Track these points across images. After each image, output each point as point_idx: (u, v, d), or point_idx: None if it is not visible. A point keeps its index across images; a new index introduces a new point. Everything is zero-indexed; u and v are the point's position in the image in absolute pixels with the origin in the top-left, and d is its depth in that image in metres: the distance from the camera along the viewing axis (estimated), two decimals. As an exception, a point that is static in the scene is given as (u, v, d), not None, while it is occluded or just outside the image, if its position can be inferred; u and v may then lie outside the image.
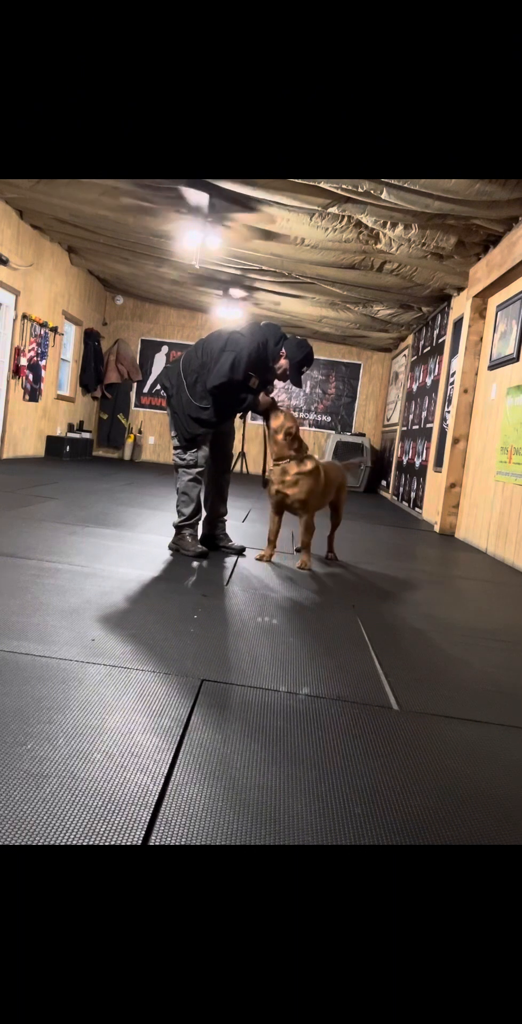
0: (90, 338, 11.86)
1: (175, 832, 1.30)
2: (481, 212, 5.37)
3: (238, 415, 4.20)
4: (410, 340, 10.75)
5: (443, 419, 7.83)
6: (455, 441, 6.95)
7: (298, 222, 6.40)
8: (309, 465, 4.01)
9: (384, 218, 5.86)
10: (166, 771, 1.51)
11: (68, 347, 11.10)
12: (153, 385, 12.93)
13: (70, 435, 10.88)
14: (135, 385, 12.97)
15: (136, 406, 13.03)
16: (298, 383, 4.13)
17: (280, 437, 3.97)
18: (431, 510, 7.90)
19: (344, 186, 5.30)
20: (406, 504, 9.64)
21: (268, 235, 7.05)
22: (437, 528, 7.11)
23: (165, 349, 12.94)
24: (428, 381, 9.09)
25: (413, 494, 9.24)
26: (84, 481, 7.52)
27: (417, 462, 9.20)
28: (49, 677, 1.93)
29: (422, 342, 9.82)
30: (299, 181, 5.48)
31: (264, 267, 8.48)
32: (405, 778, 1.63)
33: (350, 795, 1.51)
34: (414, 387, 10.05)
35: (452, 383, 7.43)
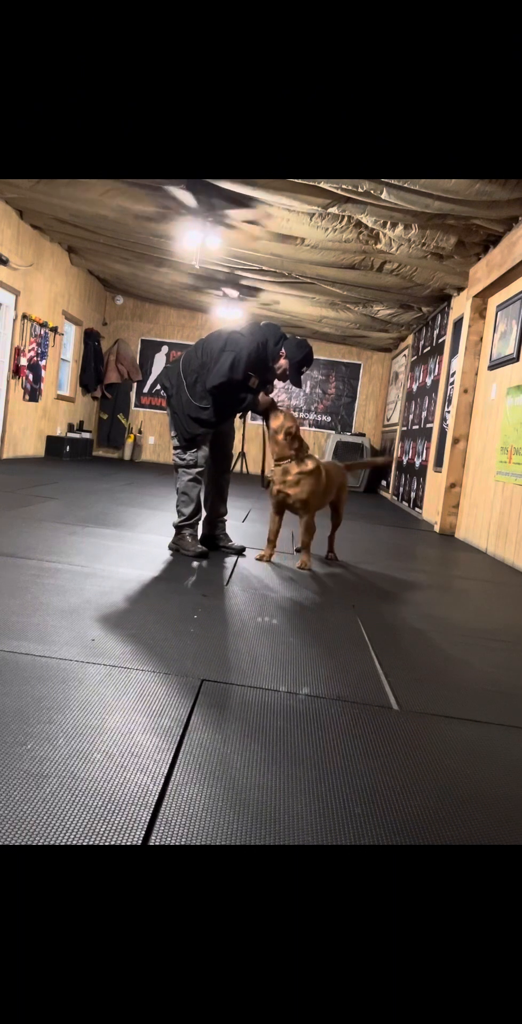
0: (90, 338, 11.86)
1: (175, 832, 1.30)
2: (481, 212, 5.37)
3: (238, 415, 4.20)
4: (410, 340, 10.75)
5: (443, 419, 7.83)
6: (455, 441, 6.95)
7: (298, 222, 6.40)
8: (310, 465, 4.01)
9: (384, 218, 5.86)
10: (166, 771, 1.51)
11: (68, 347, 11.10)
12: (153, 385, 12.93)
13: (70, 435, 10.88)
14: (135, 385, 12.97)
15: (136, 406, 13.03)
16: (298, 383, 4.13)
17: (280, 437, 3.97)
18: (431, 510, 7.90)
19: (344, 186, 5.30)
20: (406, 504, 9.65)
21: (268, 235, 7.05)
22: (437, 528, 7.11)
23: (165, 349, 12.94)
24: (428, 381, 9.09)
25: (413, 494, 9.24)
26: (84, 481, 7.52)
27: (417, 462, 9.20)
28: (49, 677, 1.93)
29: (422, 342, 9.82)
30: (299, 181, 5.48)
31: (264, 267, 8.48)
32: (405, 778, 1.63)
33: (350, 795, 1.51)
34: (414, 387, 10.05)
35: (452, 383, 7.43)
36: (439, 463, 7.63)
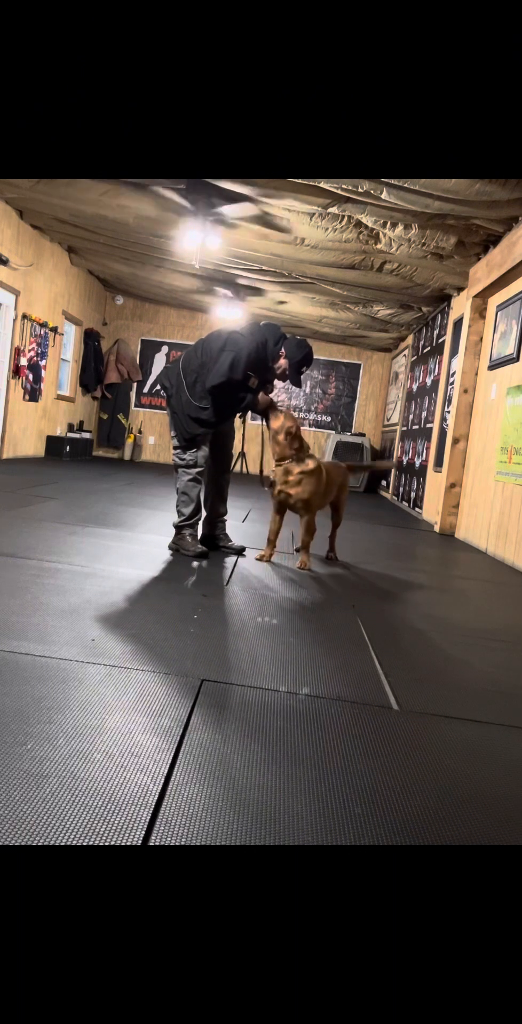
0: (90, 338, 11.86)
1: (175, 832, 1.30)
2: (481, 212, 5.37)
3: (238, 415, 4.20)
4: (410, 340, 10.75)
5: (443, 419, 7.83)
6: (455, 441, 6.95)
7: (298, 222, 6.40)
8: (311, 464, 4.01)
9: (384, 218, 5.86)
10: (166, 771, 1.51)
11: (68, 347, 11.10)
12: (153, 385, 12.93)
13: (70, 435, 10.88)
14: (135, 385, 12.97)
15: (136, 406, 13.03)
16: (298, 383, 4.13)
17: (281, 437, 3.97)
18: (431, 510, 7.90)
19: (344, 186, 5.30)
20: (406, 504, 9.65)
21: (268, 235, 7.04)
22: (437, 528, 7.11)
23: (165, 349, 12.94)
24: (428, 381, 9.09)
25: (413, 494, 9.24)
26: (84, 481, 7.52)
27: (417, 462, 9.20)
28: (49, 677, 1.93)
29: (422, 342, 9.82)
30: (299, 181, 5.48)
31: (264, 267, 8.48)
32: (405, 778, 1.63)
33: (350, 795, 1.51)
34: (414, 387, 10.06)
35: (452, 383, 7.43)
36: (439, 463, 7.63)
